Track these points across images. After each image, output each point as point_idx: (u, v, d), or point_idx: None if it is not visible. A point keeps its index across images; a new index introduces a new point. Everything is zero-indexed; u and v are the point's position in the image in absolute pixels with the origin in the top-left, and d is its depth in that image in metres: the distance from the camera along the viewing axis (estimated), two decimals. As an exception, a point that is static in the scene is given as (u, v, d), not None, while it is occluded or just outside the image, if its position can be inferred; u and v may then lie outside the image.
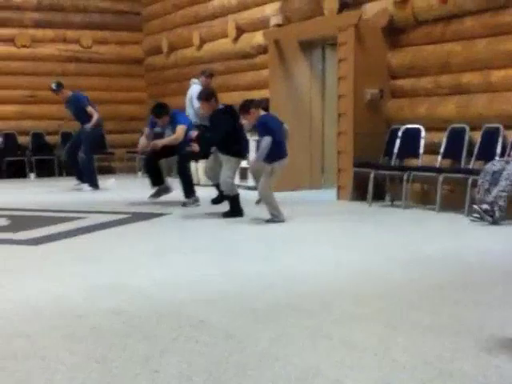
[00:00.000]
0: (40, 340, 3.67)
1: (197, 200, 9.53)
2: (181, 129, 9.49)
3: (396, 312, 4.11)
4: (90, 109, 11.99)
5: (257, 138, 9.83)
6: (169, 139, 9.53)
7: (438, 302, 4.36)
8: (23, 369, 3.25)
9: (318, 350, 3.44)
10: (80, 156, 11.90)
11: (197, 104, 11.24)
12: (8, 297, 4.61)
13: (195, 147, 8.98)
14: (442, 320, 3.93)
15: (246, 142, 8.92)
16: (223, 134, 8.33)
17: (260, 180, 7.91)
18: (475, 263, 5.61)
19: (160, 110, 9.68)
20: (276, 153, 7.65)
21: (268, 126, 7.70)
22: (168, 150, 9.62)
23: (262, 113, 7.97)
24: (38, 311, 4.23)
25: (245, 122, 8.25)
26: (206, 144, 8.74)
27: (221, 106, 8.61)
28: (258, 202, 8.12)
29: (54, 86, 12.23)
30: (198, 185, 11.76)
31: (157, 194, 9.87)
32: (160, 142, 9.57)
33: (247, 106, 7.92)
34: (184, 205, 9.43)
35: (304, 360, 3.30)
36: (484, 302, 4.33)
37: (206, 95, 8.70)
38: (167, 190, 9.90)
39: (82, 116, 12.02)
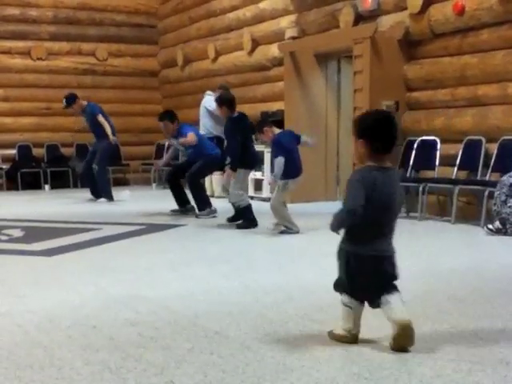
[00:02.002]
0: (56, 350, 3.66)
1: (212, 211, 9.50)
2: (191, 135, 9.62)
3: (413, 324, 4.07)
4: (100, 118, 11.89)
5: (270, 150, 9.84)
6: (177, 146, 9.95)
7: (455, 314, 4.32)
8: (39, 379, 3.25)
9: (334, 362, 3.42)
10: (93, 167, 11.91)
11: (212, 108, 11.30)
12: (24, 307, 4.61)
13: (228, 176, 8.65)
14: (459, 333, 3.90)
15: (255, 154, 8.83)
16: (236, 143, 8.36)
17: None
18: (492, 276, 5.56)
19: (163, 114, 9.99)
20: (290, 171, 7.74)
21: (283, 146, 7.78)
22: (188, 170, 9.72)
23: (277, 130, 8.01)
24: (54, 322, 4.23)
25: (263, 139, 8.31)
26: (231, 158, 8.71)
27: (236, 114, 8.60)
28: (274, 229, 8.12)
29: (64, 102, 12.16)
30: (212, 196, 11.78)
31: (180, 212, 9.87)
32: (161, 162, 10.65)
33: (260, 125, 8.10)
34: (197, 216, 9.42)
35: (320, 372, 3.28)
36: (502, 315, 4.29)
37: (220, 100, 8.72)
38: (192, 210, 9.89)
39: (98, 129, 12.00)
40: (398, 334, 3.52)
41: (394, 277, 3.68)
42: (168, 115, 9.90)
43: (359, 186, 3.54)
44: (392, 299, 3.58)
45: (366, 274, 3.63)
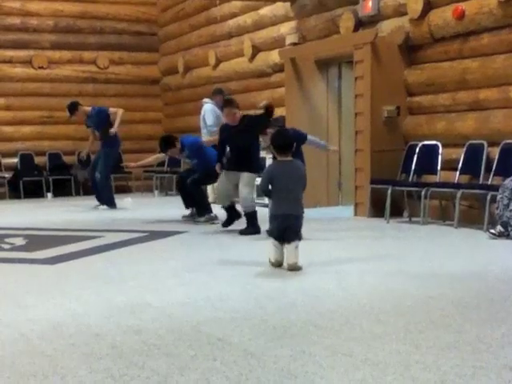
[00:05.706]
0: (60, 359, 3.65)
1: (212, 218, 9.48)
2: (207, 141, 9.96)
3: (417, 330, 4.07)
4: (112, 110, 12.15)
5: (271, 156, 9.86)
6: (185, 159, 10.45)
7: (459, 319, 4.31)
8: (42, 387, 3.24)
9: (338, 368, 3.41)
10: (96, 175, 11.90)
11: (210, 121, 11.42)
12: (28, 316, 4.61)
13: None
14: (463, 338, 3.89)
15: (259, 159, 8.83)
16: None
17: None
18: (496, 280, 5.55)
19: (161, 146, 10.00)
20: None
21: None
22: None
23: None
24: (57, 330, 4.23)
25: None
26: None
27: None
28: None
29: (67, 112, 12.24)
30: (214, 203, 11.77)
31: (191, 216, 9.86)
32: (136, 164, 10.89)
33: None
34: (195, 221, 9.43)
35: (324, 378, 3.27)
36: (506, 320, 4.28)
37: (226, 102, 8.98)
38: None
39: (102, 133, 12.01)
40: (288, 269, 5.97)
41: (296, 230, 6.05)
42: (164, 144, 9.86)
43: (265, 174, 6.30)
44: (289, 247, 5.95)
45: (279, 226, 6.02)
